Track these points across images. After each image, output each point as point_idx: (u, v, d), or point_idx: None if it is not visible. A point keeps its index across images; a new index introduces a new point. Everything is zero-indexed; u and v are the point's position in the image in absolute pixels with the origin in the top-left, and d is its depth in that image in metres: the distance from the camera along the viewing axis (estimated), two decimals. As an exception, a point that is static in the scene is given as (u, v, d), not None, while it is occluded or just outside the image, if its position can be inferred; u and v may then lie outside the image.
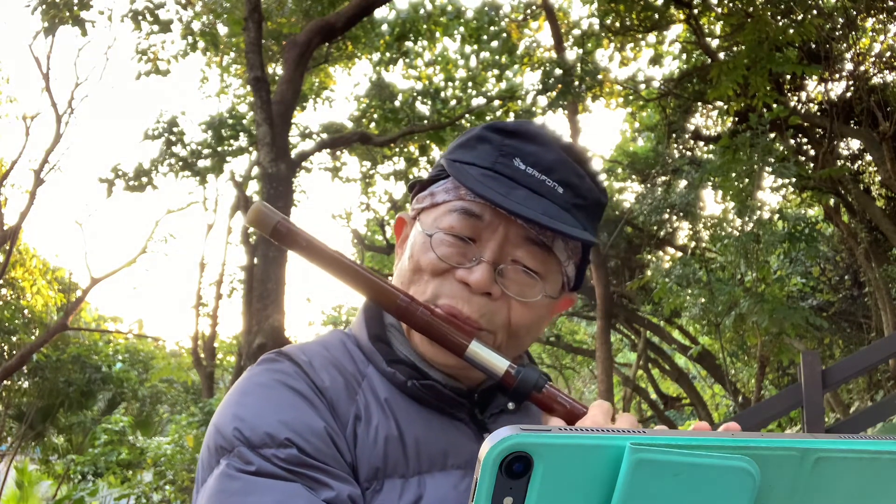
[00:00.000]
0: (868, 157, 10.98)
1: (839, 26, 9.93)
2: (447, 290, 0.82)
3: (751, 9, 9.40)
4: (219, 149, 11.10)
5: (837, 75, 10.33)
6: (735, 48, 9.67)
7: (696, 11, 10.76)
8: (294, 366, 0.81)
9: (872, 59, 10.26)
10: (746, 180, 8.58)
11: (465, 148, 0.87)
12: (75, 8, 8.74)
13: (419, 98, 12.01)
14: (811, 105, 11.12)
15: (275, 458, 0.71)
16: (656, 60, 12.48)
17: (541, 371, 0.81)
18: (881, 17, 10.31)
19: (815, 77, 10.06)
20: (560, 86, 9.85)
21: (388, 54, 11.98)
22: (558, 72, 10.09)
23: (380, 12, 10.99)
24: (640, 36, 12.05)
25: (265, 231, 0.82)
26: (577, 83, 10.04)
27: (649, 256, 13.53)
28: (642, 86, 12.49)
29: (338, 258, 0.84)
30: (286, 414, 0.75)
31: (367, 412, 0.80)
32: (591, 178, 0.87)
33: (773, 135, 9.47)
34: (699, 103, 11.79)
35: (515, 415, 0.89)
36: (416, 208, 0.89)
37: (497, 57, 12.03)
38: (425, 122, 11.61)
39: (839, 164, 10.31)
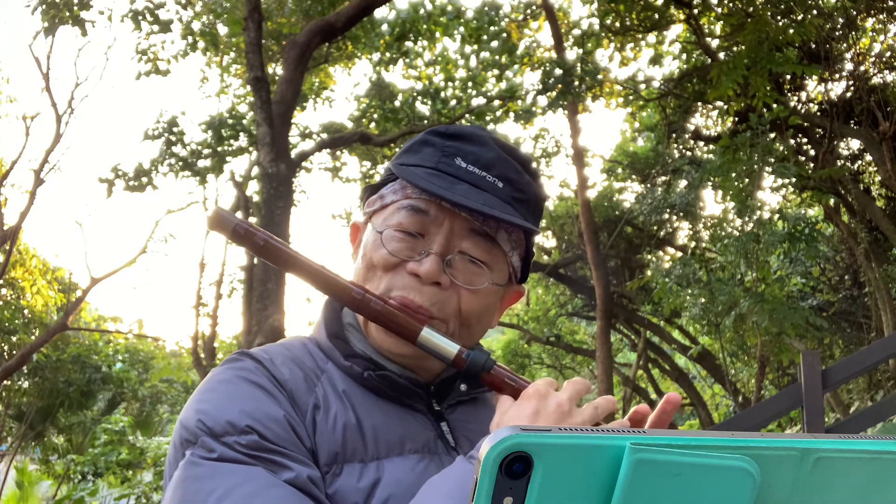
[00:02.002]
0: (868, 157, 10.98)
1: (839, 26, 9.93)
2: (399, 282, 0.87)
3: (751, 9, 9.40)
4: (219, 149, 11.07)
5: (837, 75, 10.33)
6: (735, 48, 9.66)
7: (696, 11, 10.76)
8: (255, 363, 0.84)
9: (872, 59, 10.26)
10: (746, 180, 8.57)
11: (411, 152, 0.92)
12: (75, 8, 8.73)
13: (419, 98, 12.01)
14: (811, 105, 11.12)
15: (236, 445, 0.74)
16: (656, 60, 12.47)
17: (489, 354, 0.86)
18: (881, 17, 10.32)
19: (815, 77, 10.06)
20: (560, 86, 9.83)
21: (388, 54, 11.97)
22: (558, 72, 10.07)
23: (380, 12, 11.00)
24: (640, 36, 12.05)
25: (225, 233, 0.86)
26: (577, 83, 10.02)
27: (649, 256, 13.55)
28: (642, 86, 12.48)
29: (295, 256, 0.88)
30: (247, 404, 0.78)
31: (326, 402, 0.84)
32: (529, 174, 0.92)
33: (773, 135, 9.47)
34: (699, 103, 11.79)
35: (472, 406, 0.94)
36: (368, 212, 0.94)
37: (497, 57, 12.02)
38: (425, 122, 11.60)
39: (839, 164, 10.31)
